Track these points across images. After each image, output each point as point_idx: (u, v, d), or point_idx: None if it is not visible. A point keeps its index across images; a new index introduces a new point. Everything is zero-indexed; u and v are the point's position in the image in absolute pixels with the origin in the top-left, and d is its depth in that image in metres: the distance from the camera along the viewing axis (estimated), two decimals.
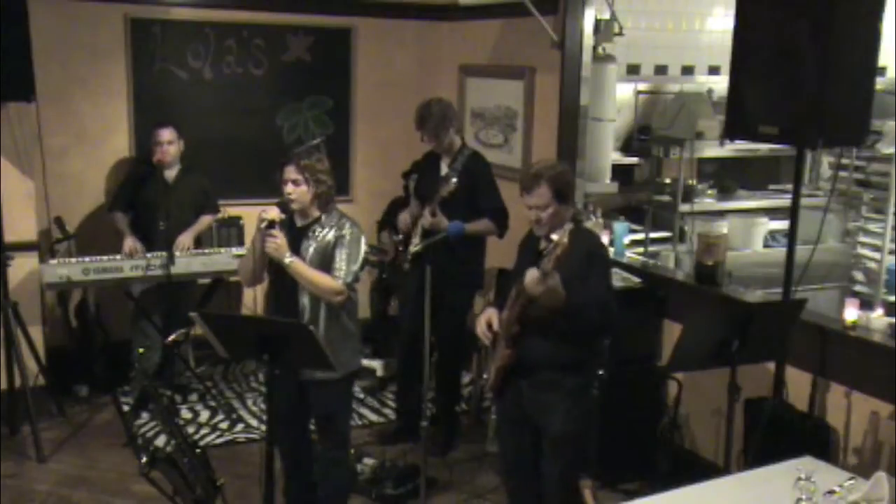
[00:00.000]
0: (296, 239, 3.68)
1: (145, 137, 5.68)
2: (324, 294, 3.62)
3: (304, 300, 3.67)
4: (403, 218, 4.92)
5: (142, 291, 5.39)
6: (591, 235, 3.61)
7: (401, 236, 4.96)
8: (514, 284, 3.47)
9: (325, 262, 3.65)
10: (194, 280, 5.48)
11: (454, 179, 4.69)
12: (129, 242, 5.23)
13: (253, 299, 6.14)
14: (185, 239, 5.36)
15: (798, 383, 4.05)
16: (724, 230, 5.36)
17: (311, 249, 3.66)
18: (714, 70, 6.14)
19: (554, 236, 3.19)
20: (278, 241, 3.57)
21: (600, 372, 3.85)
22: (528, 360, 3.44)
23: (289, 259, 3.58)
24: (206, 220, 5.58)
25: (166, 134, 5.36)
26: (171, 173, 5.43)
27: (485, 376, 3.63)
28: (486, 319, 3.53)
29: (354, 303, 3.83)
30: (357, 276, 3.70)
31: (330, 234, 3.67)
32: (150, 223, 5.32)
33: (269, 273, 3.76)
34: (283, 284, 3.70)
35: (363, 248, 3.74)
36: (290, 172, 3.63)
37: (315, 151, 3.74)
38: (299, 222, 3.74)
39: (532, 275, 3.20)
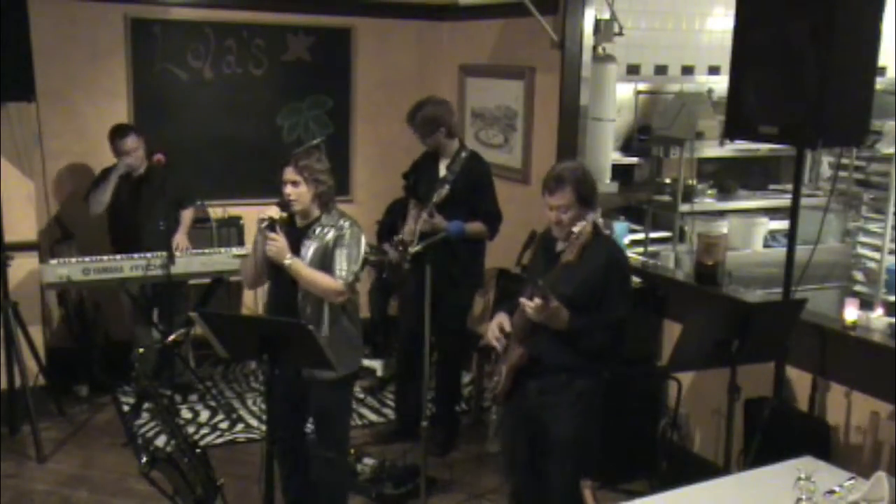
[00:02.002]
0: (296, 239, 3.68)
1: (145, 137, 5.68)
2: (325, 294, 3.62)
3: (305, 301, 3.67)
4: (409, 230, 4.88)
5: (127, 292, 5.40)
6: (612, 242, 3.58)
7: (401, 236, 4.95)
8: (528, 284, 3.46)
9: (325, 261, 3.64)
10: (185, 280, 5.46)
11: (447, 186, 4.71)
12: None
13: (253, 299, 6.15)
14: (182, 239, 5.39)
15: (798, 383, 4.05)
16: (724, 230, 5.36)
17: (312, 249, 3.65)
18: (714, 70, 6.15)
19: (575, 229, 3.22)
20: (278, 244, 3.57)
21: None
22: (539, 361, 3.43)
23: (289, 260, 3.58)
24: (188, 215, 5.57)
25: (130, 142, 5.32)
26: (136, 173, 5.39)
27: (495, 378, 3.61)
28: (498, 324, 3.53)
29: (355, 304, 3.83)
30: (357, 276, 3.70)
31: (330, 234, 3.66)
32: (128, 226, 5.33)
33: (268, 275, 3.76)
34: (282, 285, 3.70)
35: (363, 247, 3.74)
36: (289, 174, 3.64)
37: (315, 151, 3.74)
38: (300, 222, 3.74)
39: (534, 301, 3.23)
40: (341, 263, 3.62)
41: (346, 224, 3.69)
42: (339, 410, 3.89)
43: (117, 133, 5.36)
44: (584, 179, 3.38)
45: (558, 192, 3.35)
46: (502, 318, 3.53)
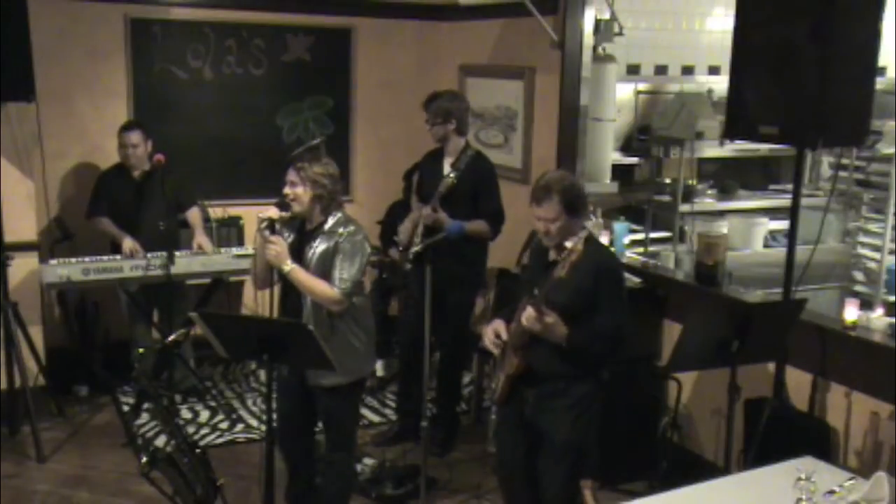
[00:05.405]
0: (303, 242, 3.68)
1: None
2: (322, 302, 3.60)
3: (309, 304, 3.66)
4: (405, 229, 4.90)
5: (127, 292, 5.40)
6: (602, 250, 3.57)
7: (402, 237, 4.96)
8: (523, 292, 3.45)
9: (327, 267, 3.63)
10: (183, 280, 5.45)
11: (452, 175, 4.72)
12: (129, 243, 5.22)
13: (253, 299, 6.13)
14: (204, 241, 5.40)
15: (798, 383, 4.05)
16: (724, 230, 5.36)
17: (316, 253, 3.64)
18: (714, 70, 6.14)
19: (568, 244, 3.20)
20: (277, 248, 3.55)
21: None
22: (537, 370, 3.42)
23: (288, 267, 3.56)
24: (196, 216, 5.56)
25: (133, 137, 5.31)
26: (137, 174, 5.39)
27: (493, 385, 3.61)
28: (494, 330, 3.52)
29: (363, 309, 3.80)
30: (357, 284, 3.68)
31: (333, 240, 3.65)
32: (129, 226, 5.30)
33: (279, 278, 3.74)
34: (290, 288, 3.68)
35: (367, 254, 3.70)
36: (289, 174, 3.64)
37: (322, 155, 3.74)
38: (308, 225, 3.72)
39: (529, 313, 3.23)
40: (340, 272, 3.60)
41: (349, 231, 3.65)
42: (345, 416, 3.88)
43: (124, 126, 5.38)
44: (571, 189, 3.34)
45: (545, 202, 3.32)
46: (499, 325, 3.53)
